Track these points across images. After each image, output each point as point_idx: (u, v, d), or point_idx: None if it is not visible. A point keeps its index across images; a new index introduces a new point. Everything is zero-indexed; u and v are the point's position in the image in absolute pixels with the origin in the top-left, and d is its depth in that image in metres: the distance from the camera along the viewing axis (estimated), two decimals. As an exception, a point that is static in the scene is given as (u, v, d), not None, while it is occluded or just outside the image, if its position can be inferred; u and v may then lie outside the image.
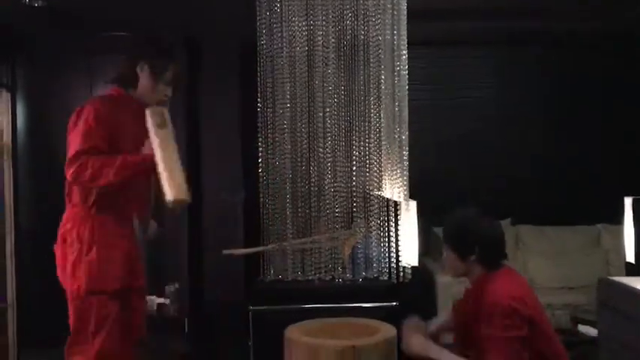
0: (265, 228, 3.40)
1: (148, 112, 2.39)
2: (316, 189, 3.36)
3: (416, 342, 2.38)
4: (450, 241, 2.41)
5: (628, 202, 3.47)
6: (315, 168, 3.37)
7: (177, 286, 3.84)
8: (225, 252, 3.08)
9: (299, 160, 3.37)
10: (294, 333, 2.66)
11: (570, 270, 4.19)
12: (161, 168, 2.29)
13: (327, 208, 3.36)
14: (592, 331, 3.17)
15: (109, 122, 2.42)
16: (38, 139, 4.06)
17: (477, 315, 2.28)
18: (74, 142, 2.38)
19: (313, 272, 3.36)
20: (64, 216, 2.48)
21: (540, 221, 4.42)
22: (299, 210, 3.38)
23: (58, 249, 2.46)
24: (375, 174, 3.37)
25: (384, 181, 3.38)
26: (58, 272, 2.46)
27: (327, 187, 3.36)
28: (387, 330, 2.69)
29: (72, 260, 2.40)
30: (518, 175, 4.49)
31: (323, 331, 2.70)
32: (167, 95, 2.59)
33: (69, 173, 2.35)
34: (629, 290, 1.62)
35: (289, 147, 3.33)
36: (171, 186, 2.26)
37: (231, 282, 3.25)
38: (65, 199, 2.48)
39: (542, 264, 4.21)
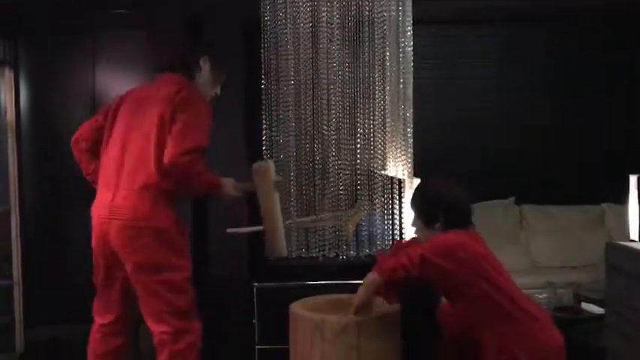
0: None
1: (262, 171, 2.67)
2: (320, 167, 3.36)
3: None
4: (415, 209, 2.50)
5: (633, 179, 3.45)
6: (320, 146, 3.36)
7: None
8: (229, 230, 3.09)
9: (303, 137, 3.35)
10: (299, 308, 2.68)
11: (574, 249, 4.19)
12: (267, 223, 2.71)
13: (332, 186, 3.36)
14: (596, 309, 3.18)
15: None
16: (42, 117, 4.06)
17: None
18: (193, 134, 2.44)
19: (317, 249, 3.37)
20: (151, 206, 2.46)
21: (544, 200, 4.42)
22: (303, 188, 3.38)
23: (151, 238, 2.46)
24: (380, 151, 3.36)
25: (388, 159, 3.37)
26: (149, 258, 2.47)
27: (331, 165, 3.35)
28: (391, 306, 2.71)
29: (179, 245, 2.53)
30: (522, 154, 4.48)
31: (327, 306, 2.73)
32: (217, 94, 2.75)
33: (183, 160, 2.40)
34: (637, 252, 1.63)
35: (293, 124, 3.32)
36: (275, 244, 2.79)
37: (236, 259, 3.26)
38: (153, 184, 2.46)
39: (545, 243, 4.22)
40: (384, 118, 3.34)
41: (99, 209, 2.58)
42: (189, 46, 2.76)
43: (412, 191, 2.55)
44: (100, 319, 2.67)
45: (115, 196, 2.52)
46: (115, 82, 4.11)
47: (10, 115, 3.70)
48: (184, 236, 2.59)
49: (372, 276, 2.41)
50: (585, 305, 3.29)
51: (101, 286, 2.65)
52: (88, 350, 2.69)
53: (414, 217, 2.53)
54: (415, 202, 2.53)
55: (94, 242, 2.61)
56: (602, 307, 3.09)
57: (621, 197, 3.84)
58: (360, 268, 3.16)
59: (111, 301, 2.64)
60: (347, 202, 3.37)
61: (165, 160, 2.42)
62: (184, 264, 2.56)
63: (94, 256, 2.63)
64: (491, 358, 2.31)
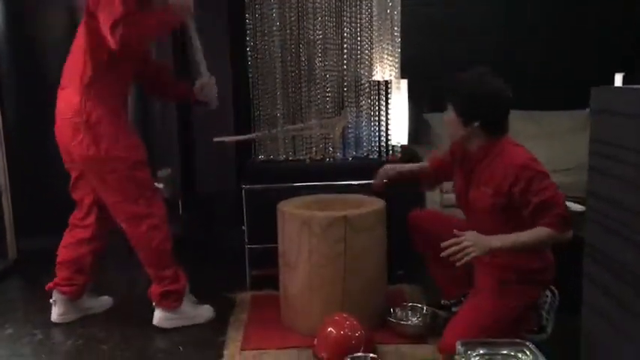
0: (256, 109, 3.37)
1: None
2: (306, 68, 3.31)
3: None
4: (454, 103, 2.27)
5: (618, 78, 3.44)
6: (305, 47, 3.29)
7: (169, 171, 3.87)
8: (216, 139, 3.09)
9: (288, 39, 3.28)
10: (287, 207, 2.73)
11: (558, 153, 4.22)
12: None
13: (318, 88, 3.33)
14: (577, 207, 3.27)
15: None
16: (19, 24, 3.92)
17: (487, 178, 2.30)
18: (109, 7, 2.35)
19: (304, 152, 3.38)
20: (80, 101, 2.48)
21: (530, 106, 4.42)
22: (289, 92, 3.35)
23: (84, 132, 2.50)
24: (367, 52, 3.31)
25: (375, 60, 3.33)
26: (87, 151, 2.52)
27: (317, 66, 3.30)
28: (376, 203, 2.77)
29: (115, 136, 2.52)
30: (508, 60, 4.42)
31: (313, 205, 2.78)
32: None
33: (115, 41, 2.35)
34: (628, 90, 1.67)
35: (278, 23, 3.24)
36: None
37: (224, 164, 3.27)
38: (82, 79, 2.48)
39: (531, 147, 4.17)
40: (371, 17, 3.27)
41: (56, 109, 2.65)
42: None
43: (454, 82, 2.28)
44: (74, 215, 2.83)
45: (59, 95, 2.61)
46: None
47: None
48: (120, 127, 2.58)
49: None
50: (568, 203, 3.38)
51: (73, 186, 2.79)
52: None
53: (451, 111, 2.29)
54: (453, 97, 2.27)
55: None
56: (582, 204, 3.19)
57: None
58: (346, 170, 3.21)
59: (83, 197, 2.77)
60: (334, 107, 3.36)
61: (109, 40, 2.37)
62: (121, 154, 2.56)
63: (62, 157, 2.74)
64: (483, 270, 2.36)
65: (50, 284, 2.84)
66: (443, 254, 2.17)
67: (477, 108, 2.23)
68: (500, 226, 2.25)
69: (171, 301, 2.72)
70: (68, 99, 2.54)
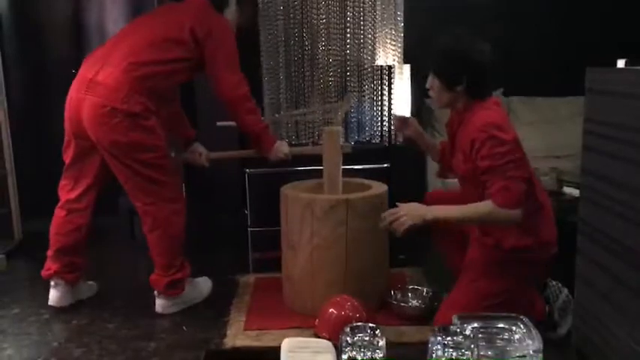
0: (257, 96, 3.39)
1: (330, 134, 2.73)
2: (309, 53, 3.33)
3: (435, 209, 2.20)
4: (436, 68, 2.20)
5: (621, 63, 3.43)
6: (308, 31, 3.31)
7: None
8: (220, 124, 3.11)
9: (292, 21, 3.29)
10: (290, 190, 2.77)
11: (558, 139, 4.25)
12: (327, 186, 2.76)
13: (321, 73, 3.34)
14: (574, 192, 3.31)
15: None
16: (23, 5, 3.93)
17: (461, 144, 2.23)
18: (232, 59, 2.63)
19: (307, 137, 3.41)
20: (129, 89, 2.49)
21: (531, 92, 4.43)
22: (292, 76, 3.36)
23: (122, 119, 2.50)
24: (369, 37, 3.33)
25: (378, 45, 3.34)
26: (120, 137, 2.52)
27: (320, 51, 3.32)
28: (379, 186, 2.80)
29: (151, 127, 2.56)
30: (511, 46, 4.43)
31: (316, 189, 2.81)
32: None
33: (242, 89, 2.65)
34: (623, 70, 1.70)
35: (281, 8, 3.25)
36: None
37: (227, 148, 3.28)
38: (138, 69, 2.51)
39: (531, 133, 4.24)
40: (374, 2, 3.28)
41: (77, 84, 2.61)
42: None
43: (434, 45, 2.21)
44: (66, 195, 2.75)
45: (99, 72, 2.54)
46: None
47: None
48: (156, 121, 2.60)
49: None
50: (566, 189, 3.41)
51: (72, 162, 2.72)
52: (50, 234, 2.78)
53: (433, 77, 2.21)
54: (436, 60, 2.19)
55: (66, 116, 2.65)
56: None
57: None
58: (348, 153, 3.23)
59: (81, 177, 2.72)
60: (336, 91, 3.38)
61: (224, 85, 2.62)
62: (157, 143, 2.60)
63: (66, 131, 2.68)
64: (475, 240, 2.34)
65: (48, 272, 2.77)
66: (380, 225, 2.20)
67: (458, 68, 2.15)
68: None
69: (175, 289, 2.75)
70: (114, 82, 2.49)
